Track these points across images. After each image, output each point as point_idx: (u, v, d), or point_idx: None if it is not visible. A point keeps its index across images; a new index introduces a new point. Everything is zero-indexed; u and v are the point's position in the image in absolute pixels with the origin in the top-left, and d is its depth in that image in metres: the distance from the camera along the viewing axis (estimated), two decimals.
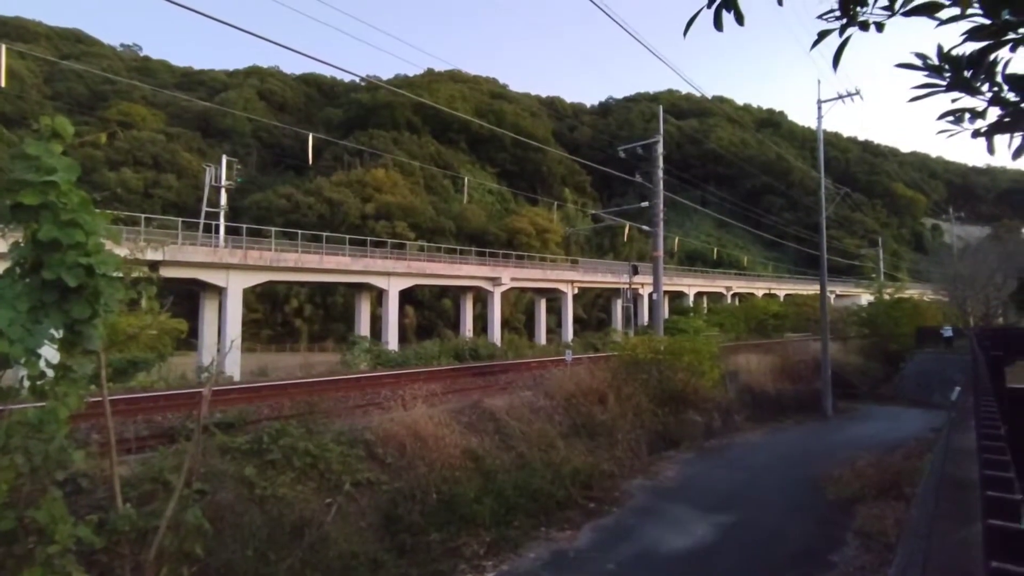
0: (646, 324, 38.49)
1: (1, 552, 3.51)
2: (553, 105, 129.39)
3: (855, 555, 7.38)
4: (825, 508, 9.24)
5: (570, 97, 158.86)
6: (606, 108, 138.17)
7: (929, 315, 30.16)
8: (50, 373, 3.89)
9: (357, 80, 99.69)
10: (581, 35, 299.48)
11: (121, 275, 4.26)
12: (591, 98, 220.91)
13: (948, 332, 24.18)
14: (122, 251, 4.46)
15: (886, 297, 32.98)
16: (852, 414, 18.61)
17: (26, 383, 3.81)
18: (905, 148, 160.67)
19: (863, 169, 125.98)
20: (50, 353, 3.89)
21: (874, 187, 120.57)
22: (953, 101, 1.93)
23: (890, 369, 24.64)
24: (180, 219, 33.58)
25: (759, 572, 6.97)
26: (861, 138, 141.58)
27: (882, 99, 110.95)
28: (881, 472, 10.25)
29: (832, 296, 63.87)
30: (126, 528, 4.40)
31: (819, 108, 20.44)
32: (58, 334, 3.89)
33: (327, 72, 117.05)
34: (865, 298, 51.93)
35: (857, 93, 20.14)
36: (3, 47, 18.88)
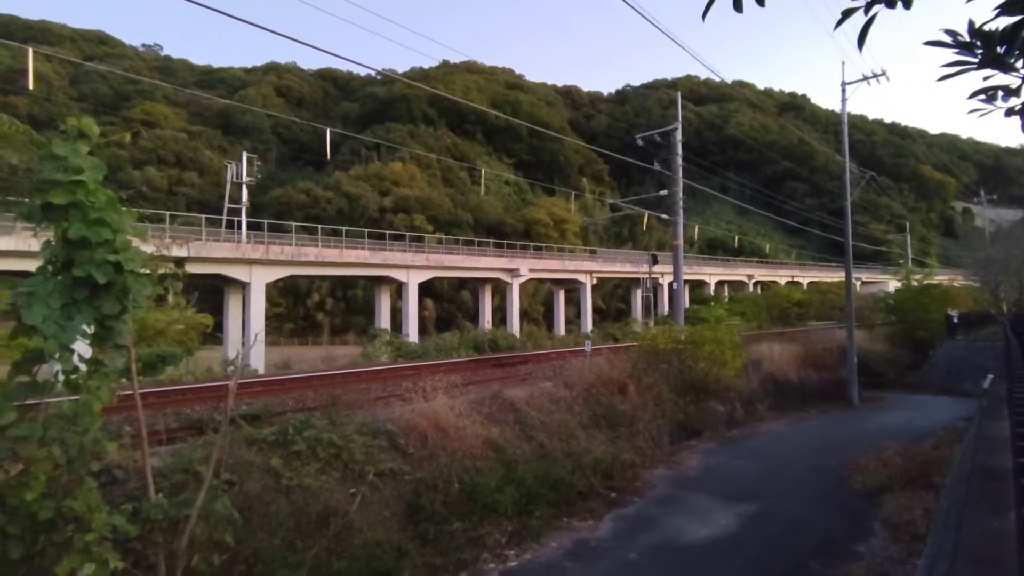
0: (666, 314, 38.19)
1: (42, 540, 3.65)
2: (570, 94, 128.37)
3: (882, 545, 7.27)
4: (851, 498, 9.11)
5: (587, 86, 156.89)
6: (623, 96, 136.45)
7: (960, 301, 29.31)
8: (83, 367, 4.01)
9: (373, 74, 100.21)
10: (597, 23, 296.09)
11: (148, 271, 4.36)
12: (608, 86, 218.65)
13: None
14: (148, 248, 4.57)
15: (914, 283, 32.17)
16: (879, 403, 18.26)
17: (60, 377, 3.94)
18: (934, 129, 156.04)
19: (889, 152, 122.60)
20: (82, 348, 4.02)
21: (901, 170, 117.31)
22: (985, 79, 1.87)
23: (918, 357, 24.08)
24: (203, 216, 34.24)
25: (783, 562, 6.91)
26: (887, 120, 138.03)
27: (909, 79, 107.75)
28: (909, 462, 10.05)
29: (858, 283, 62.54)
30: (159, 517, 4.53)
31: (843, 90, 19.91)
32: (89, 329, 4.01)
33: (343, 67, 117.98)
34: (892, 284, 50.76)
35: (883, 74, 19.56)
36: (30, 51, 19.38)
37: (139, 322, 4.55)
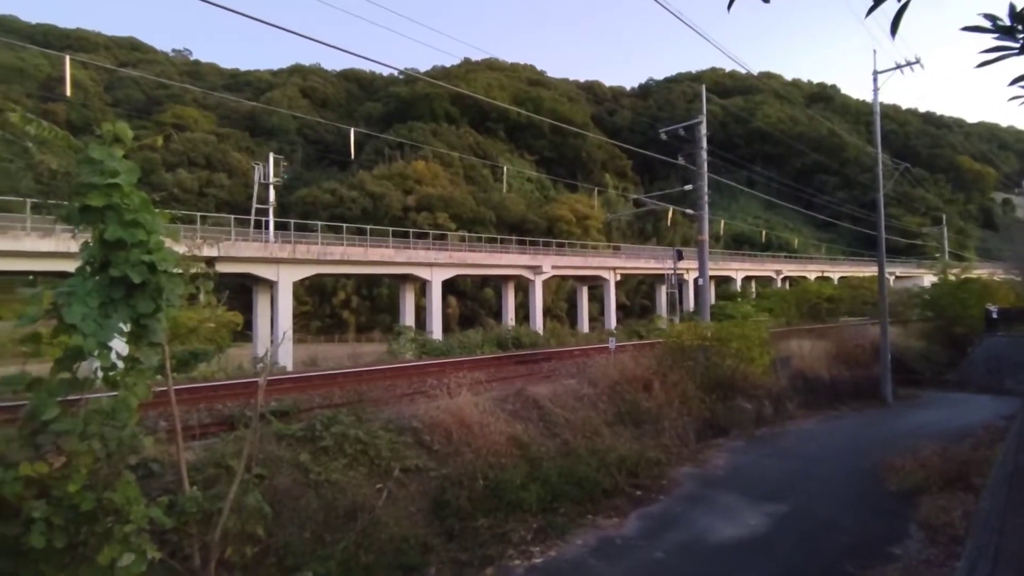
0: (692, 310, 37.70)
1: (84, 530, 3.79)
2: (592, 89, 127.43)
3: (919, 548, 7.07)
4: (885, 499, 8.87)
5: (609, 80, 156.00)
6: (646, 90, 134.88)
7: (1000, 296, 28.25)
8: (120, 364, 4.15)
9: (396, 73, 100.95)
10: (620, 16, 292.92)
11: (180, 271, 4.49)
12: (631, 80, 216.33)
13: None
14: (180, 248, 4.69)
15: (951, 277, 31.11)
16: (914, 401, 17.73)
17: (99, 374, 4.08)
18: (972, 118, 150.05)
19: (924, 142, 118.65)
20: (120, 346, 4.15)
21: (937, 161, 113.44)
22: None
23: (956, 354, 23.29)
24: (232, 216, 35.01)
25: (815, 563, 6.77)
26: (922, 110, 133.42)
27: (946, 66, 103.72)
28: (947, 462, 9.74)
29: (891, 278, 60.81)
30: (193, 510, 4.66)
31: (875, 79, 19.33)
32: (126, 328, 4.14)
33: (367, 67, 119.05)
34: (928, 279, 49.21)
35: (917, 62, 18.93)
36: (67, 59, 20.05)
37: (172, 320, 4.68)
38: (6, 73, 74.10)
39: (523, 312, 49.03)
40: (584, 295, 53.16)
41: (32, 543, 3.55)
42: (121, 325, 4.05)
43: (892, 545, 7.14)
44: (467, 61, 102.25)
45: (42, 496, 3.64)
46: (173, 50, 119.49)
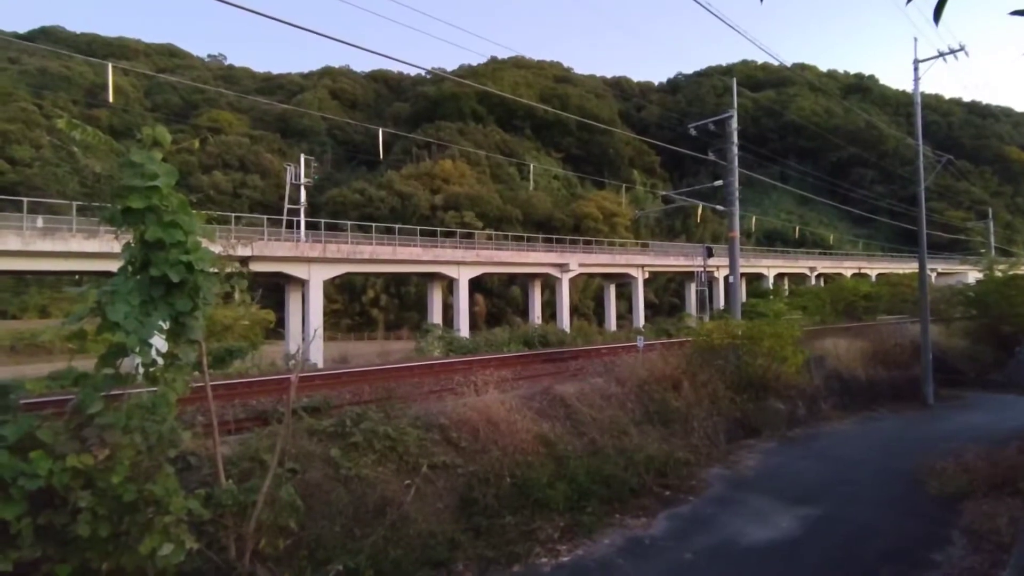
0: (722, 308, 37.04)
1: (126, 520, 3.94)
2: (619, 85, 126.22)
3: (962, 555, 6.80)
4: (926, 503, 8.56)
5: (637, 76, 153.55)
6: (675, 85, 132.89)
7: None
8: (160, 361, 4.30)
9: (423, 73, 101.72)
10: (647, 11, 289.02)
11: (216, 271, 4.62)
12: (659, 76, 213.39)
13: None
14: (216, 248, 4.82)
15: (998, 274, 29.79)
16: (957, 402, 17.06)
17: (140, 370, 4.23)
18: (1020, 107, 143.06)
19: (969, 133, 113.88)
20: (159, 343, 4.30)
21: (982, 152, 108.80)
22: None
23: (1002, 354, 22.29)
24: (265, 216, 35.87)
25: (850, 569, 6.58)
26: (966, 99, 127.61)
27: (992, 53, 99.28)
28: (992, 466, 9.33)
29: (933, 274, 58.71)
30: (229, 502, 4.80)
31: (916, 69, 18.62)
32: (165, 325, 4.29)
33: (395, 68, 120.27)
34: (972, 275, 47.33)
35: (961, 49, 18.16)
36: (109, 66, 20.82)
37: (209, 318, 4.81)
38: (54, 81, 77.45)
39: (550, 310, 48.94)
40: (612, 293, 52.75)
41: (79, 532, 3.72)
42: (161, 323, 4.20)
43: (932, 551, 6.89)
44: (493, 59, 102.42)
45: (88, 487, 3.80)
46: (209, 55, 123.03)
